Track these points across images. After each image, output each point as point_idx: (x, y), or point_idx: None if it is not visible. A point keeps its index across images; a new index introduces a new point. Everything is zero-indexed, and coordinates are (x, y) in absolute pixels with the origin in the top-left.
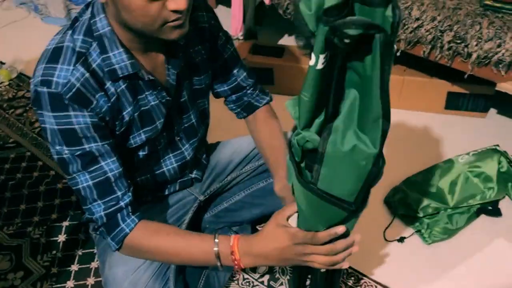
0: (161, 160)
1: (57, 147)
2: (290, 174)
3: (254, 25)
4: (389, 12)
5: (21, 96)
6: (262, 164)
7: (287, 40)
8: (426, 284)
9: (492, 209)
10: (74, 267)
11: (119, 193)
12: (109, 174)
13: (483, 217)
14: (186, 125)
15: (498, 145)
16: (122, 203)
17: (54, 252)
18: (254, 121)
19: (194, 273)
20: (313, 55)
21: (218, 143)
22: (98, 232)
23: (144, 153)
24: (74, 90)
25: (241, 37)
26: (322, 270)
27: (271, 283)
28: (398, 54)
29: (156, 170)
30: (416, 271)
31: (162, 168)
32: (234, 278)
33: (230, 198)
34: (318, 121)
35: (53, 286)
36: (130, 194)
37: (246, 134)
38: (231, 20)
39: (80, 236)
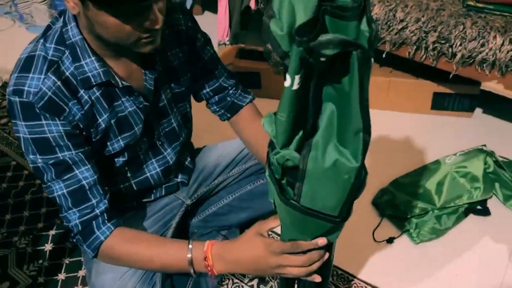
0: (144, 166)
1: (31, 156)
2: (271, 191)
3: (241, 29)
4: (364, 26)
5: (6, 106)
6: (249, 167)
7: None
8: (415, 284)
9: (481, 209)
10: (61, 276)
11: (93, 201)
12: (84, 182)
13: (471, 216)
14: (167, 129)
15: (485, 145)
16: (97, 211)
17: (40, 261)
18: (239, 121)
19: (181, 278)
20: (288, 76)
21: (204, 147)
22: (74, 240)
23: (124, 159)
24: (45, 98)
25: (228, 42)
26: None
27: (261, 286)
28: (383, 55)
29: (140, 176)
30: (406, 271)
31: (146, 174)
32: (224, 283)
33: (218, 202)
34: (297, 138)
35: None
36: (105, 201)
37: (234, 138)
38: (217, 25)
39: (67, 245)
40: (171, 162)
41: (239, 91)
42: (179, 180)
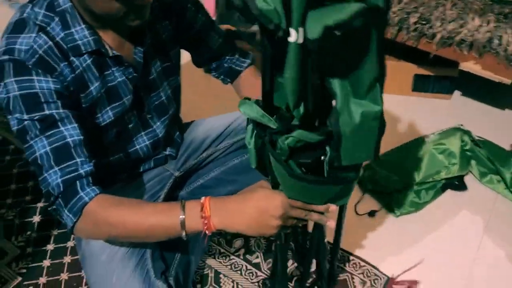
0: (134, 139)
1: (17, 115)
2: (279, 174)
3: (227, 10)
4: None
5: None
6: (236, 141)
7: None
8: (396, 254)
9: (458, 184)
10: (50, 247)
11: (78, 160)
12: (69, 140)
13: (449, 191)
14: (156, 103)
15: (462, 125)
16: (81, 171)
17: (28, 232)
18: (240, 85)
19: (170, 244)
20: (292, 30)
21: (192, 122)
22: (54, 207)
23: (114, 131)
24: (37, 56)
25: None
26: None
27: (247, 256)
28: None
29: (129, 148)
30: (387, 242)
31: (135, 147)
32: (210, 253)
33: (206, 175)
34: (299, 111)
35: (29, 266)
36: (91, 164)
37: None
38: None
39: (55, 217)
40: (160, 135)
41: (236, 56)
42: (167, 153)
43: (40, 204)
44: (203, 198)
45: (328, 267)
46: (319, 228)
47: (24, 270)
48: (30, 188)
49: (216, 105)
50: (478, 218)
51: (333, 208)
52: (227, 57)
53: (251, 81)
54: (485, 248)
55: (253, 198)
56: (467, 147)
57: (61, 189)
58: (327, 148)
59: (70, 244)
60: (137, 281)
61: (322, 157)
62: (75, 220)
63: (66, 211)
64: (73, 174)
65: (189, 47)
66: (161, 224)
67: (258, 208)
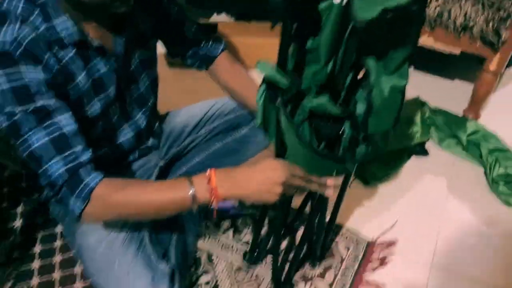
0: (118, 132)
1: (8, 109)
2: (290, 141)
3: (186, 4)
4: None
5: None
6: (216, 126)
7: (218, 18)
8: (370, 219)
9: (420, 150)
10: (37, 249)
11: (77, 148)
12: (65, 130)
13: (413, 158)
14: (136, 94)
15: (419, 96)
16: (82, 159)
17: (12, 238)
18: (216, 71)
19: (165, 229)
20: None
21: (168, 113)
22: (59, 197)
23: (100, 124)
24: (22, 47)
25: None
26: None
27: (236, 235)
28: None
29: (115, 141)
30: (363, 209)
31: (120, 139)
32: (201, 237)
33: (189, 162)
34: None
35: (19, 270)
36: (90, 151)
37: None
38: None
39: (38, 220)
40: (142, 126)
41: (210, 42)
42: (150, 144)
43: (19, 209)
44: (208, 170)
45: (323, 238)
46: (323, 202)
47: (14, 274)
48: (6, 194)
49: (187, 100)
50: (442, 179)
51: (330, 182)
52: (202, 44)
53: (226, 66)
54: (450, 204)
55: (258, 167)
56: (426, 116)
57: (66, 178)
58: (347, 127)
59: (58, 243)
60: (139, 266)
61: (342, 133)
62: (83, 206)
63: (73, 198)
64: (75, 163)
65: (167, 37)
66: (172, 201)
67: (262, 175)
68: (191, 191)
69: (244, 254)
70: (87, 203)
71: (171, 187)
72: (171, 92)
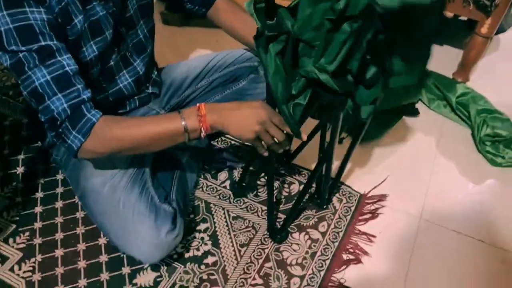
0: (116, 77)
1: (13, 47)
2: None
3: None
4: None
5: None
6: (216, 79)
7: None
8: (365, 174)
9: (411, 110)
10: (39, 194)
11: (79, 86)
12: (67, 69)
13: (404, 118)
14: (134, 40)
15: None
16: (84, 96)
17: (14, 183)
18: (217, 13)
19: (166, 176)
20: None
21: (167, 65)
22: (59, 132)
23: (98, 67)
24: None
25: None
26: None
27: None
28: None
29: (113, 87)
30: (356, 164)
31: (119, 85)
32: (199, 187)
33: None
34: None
35: (21, 213)
36: (90, 91)
37: None
38: None
39: (39, 168)
40: (141, 72)
41: None
42: (150, 91)
43: (21, 156)
44: (197, 103)
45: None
46: (329, 155)
47: (17, 218)
48: (7, 142)
49: (181, 57)
50: (431, 138)
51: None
52: None
53: (225, 7)
54: (439, 162)
55: (245, 104)
56: None
57: (68, 113)
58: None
59: (59, 190)
60: (143, 206)
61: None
62: (84, 140)
63: (74, 133)
64: (77, 99)
65: None
66: (165, 131)
67: (247, 111)
68: (183, 122)
69: (232, 184)
70: (87, 137)
71: (164, 118)
72: (166, 49)
